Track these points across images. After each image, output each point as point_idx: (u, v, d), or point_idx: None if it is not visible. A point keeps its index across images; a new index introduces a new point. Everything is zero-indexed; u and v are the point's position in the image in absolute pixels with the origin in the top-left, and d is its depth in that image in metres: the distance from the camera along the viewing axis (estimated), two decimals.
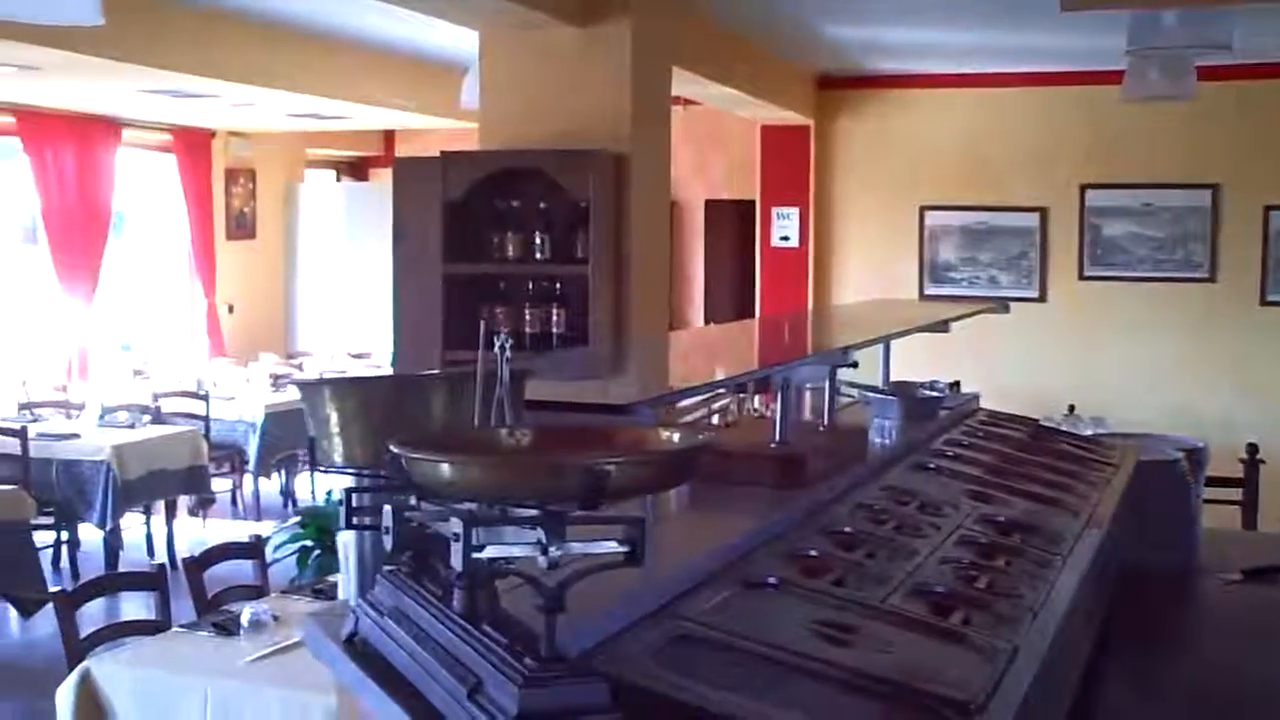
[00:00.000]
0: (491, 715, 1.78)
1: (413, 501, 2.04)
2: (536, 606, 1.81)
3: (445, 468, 1.85)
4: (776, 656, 2.45)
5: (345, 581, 4.92)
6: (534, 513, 1.85)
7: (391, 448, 1.92)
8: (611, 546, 1.86)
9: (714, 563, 2.89)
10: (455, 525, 1.82)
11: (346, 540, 4.94)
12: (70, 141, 12.51)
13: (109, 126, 12.91)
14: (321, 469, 2.35)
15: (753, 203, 13.78)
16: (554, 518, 1.82)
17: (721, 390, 4.60)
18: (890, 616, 2.82)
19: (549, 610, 1.80)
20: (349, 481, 2.35)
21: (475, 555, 1.83)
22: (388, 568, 2.24)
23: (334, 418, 2.32)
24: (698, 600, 2.65)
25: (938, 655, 2.65)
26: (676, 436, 2.08)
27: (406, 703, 1.98)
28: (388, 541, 2.05)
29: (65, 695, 4.75)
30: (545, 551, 1.82)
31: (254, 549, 6.11)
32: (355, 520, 2.19)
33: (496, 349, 2.17)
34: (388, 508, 2.03)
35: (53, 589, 5.57)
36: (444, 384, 2.36)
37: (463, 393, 2.27)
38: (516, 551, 1.85)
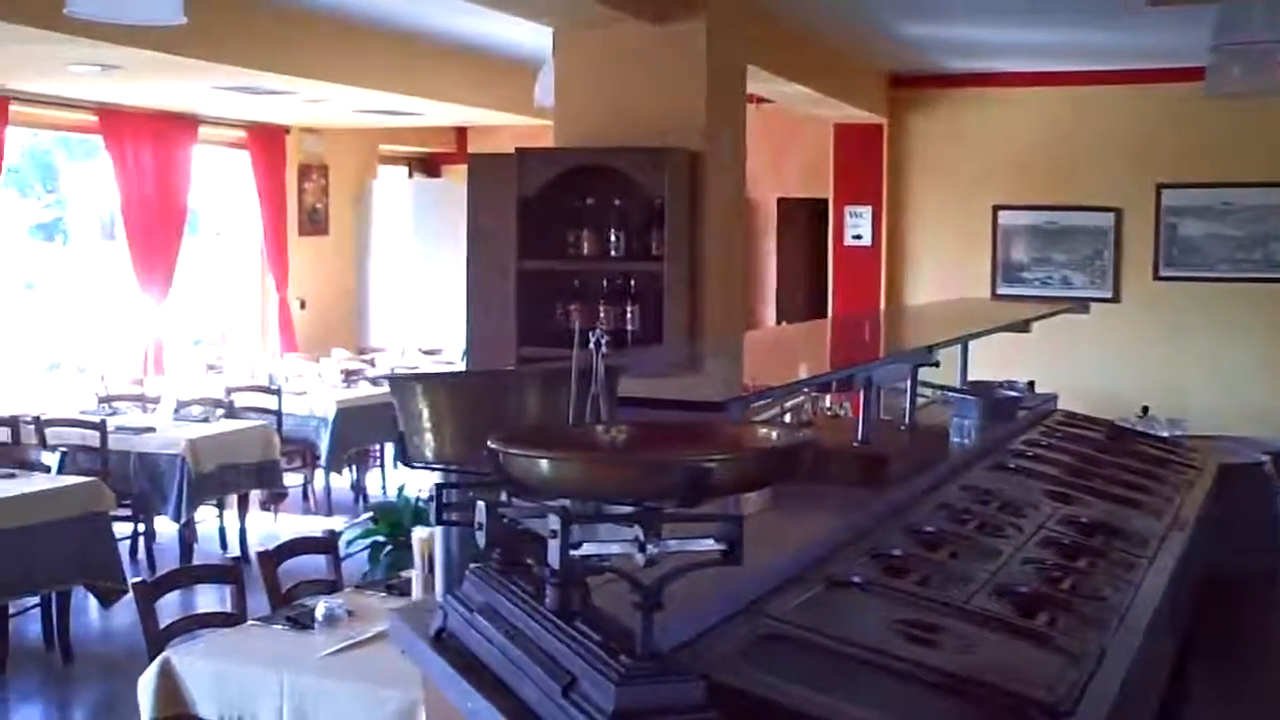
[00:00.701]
0: (587, 713, 1.78)
1: (503, 498, 2.03)
2: (634, 604, 1.80)
3: (544, 464, 1.83)
4: (862, 656, 2.44)
5: (418, 577, 4.97)
6: (629, 510, 1.83)
7: (489, 443, 1.91)
8: (709, 544, 1.84)
9: (798, 561, 2.88)
10: (552, 522, 1.81)
11: (421, 536, 4.99)
12: (149, 139, 12.59)
13: (186, 123, 12.99)
14: (411, 465, 2.33)
15: (825, 201, 13.73)
16: (652, 515, 1.81)
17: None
18: (974, 616, 2.80)
19: (646, 607, 1.78)
20: (437, 477, 2.34)
21: (572, 552, 1.82)
22: (475, 564, 2.23)
23: (425, 413, 2.31)
24: (783, 599, 2.64)
25: (1023, 656, 2.63)
26: (776, 434, 2.06)
27: (498, 700, 1.98)
28: (481, 538, 2.03)
29: (146, 684, 4.78)
30: (643, 549, 1.81)
31: (327, 544, 6.12)
32: (445, 516, 2.18)
33: (591, 345, 2.16)
34: (481, 504, 2.02)
35: (131, 580, 5.61)
36: (537, 380, 2.35)
37: (555, 389, 2.25)
38: (614, 549, 1.84)
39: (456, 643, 2.20)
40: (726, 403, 2.61)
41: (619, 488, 1.84)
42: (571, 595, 1.92)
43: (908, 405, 4.23)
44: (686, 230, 7.46)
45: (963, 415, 4.76)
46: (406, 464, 2.33)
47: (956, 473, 4.03)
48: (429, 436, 2.32)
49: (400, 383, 2.37)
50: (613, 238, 7.49)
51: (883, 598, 2.81)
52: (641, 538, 1.82)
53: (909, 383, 4.19)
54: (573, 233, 7.54)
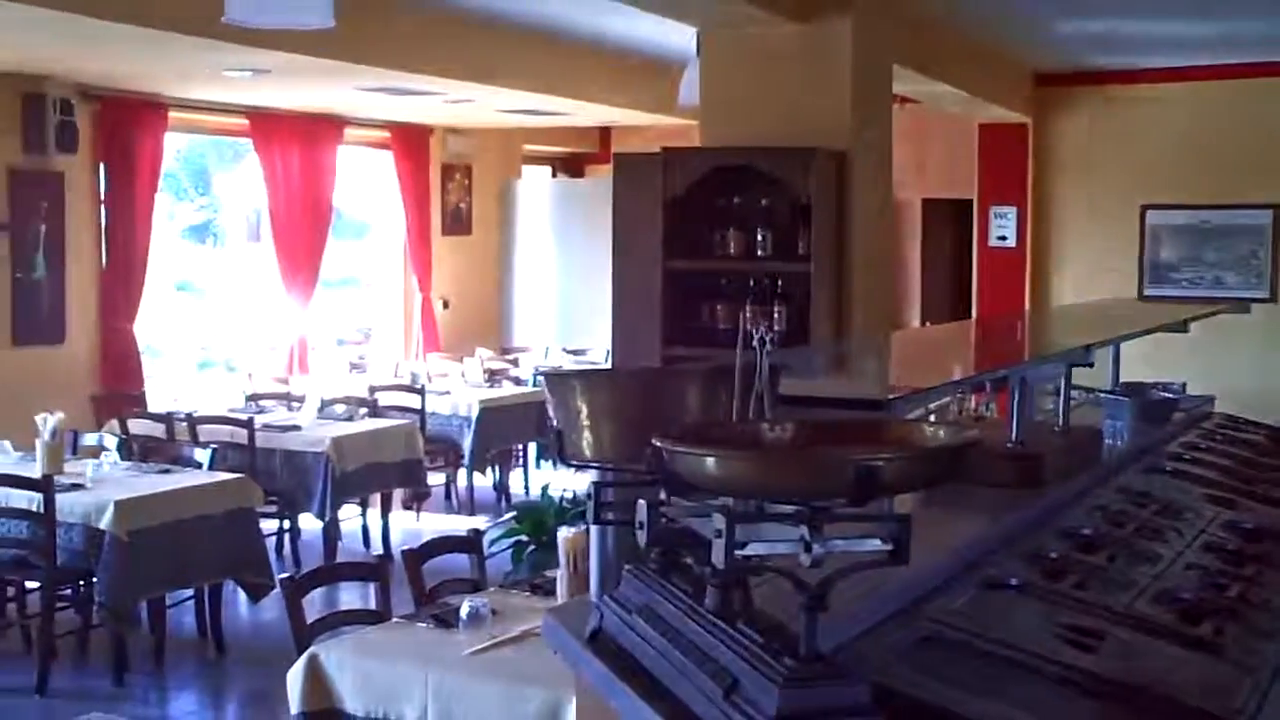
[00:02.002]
0: (748, 716, 1.75)
1: (661, 497, 2.01)
2: (801, 604, 1.77)
3: (712, 461, 1.81)
4: (1023, 660, 2.39)
5: (563, 577, 4.97)
6: (793, 509, 1.80)
7: (654, 441, 1.89)
8: (875, 545, 1.80)
9: (955, 562, 2.83)
10: (717, 521, 1.78)
11: (566, 536, 4.99)
12: (296, 140, 12.76)
13: (332, 124, 13.15)
14: (569, 463, 2.31)
15: (970, 202, 13.59)
16: (818, 514, 1.78)
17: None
18: (1136, 622, 2.73)
19: (811, 608, 1.75)
20: (593, 476, 2.31)
21: (736, 552, 1.79)
22: (629, 565, 2.21)
23: (584, 411, 2.29)
24: (940, 601, 2.59)
25: (1191, 665, 2.56)
26: (943, 432, 2.02)
27: (655, 702, 1.95)
28: (641, 537, 2.01)
29: (295, 678, 4.83)
30: (808, 548, 1.77)
31: (471, 543, 6.14)
32: (603, 515, 2.16)
33: (756, 343, 2.13)
34: (642, 503, 1.99)
35: (279, 576, 5.68)
36: (697, 378, 2.32)
37: (715, 387, 2.22)
38: (780, 549, 1.81)
39: (612, 643, 2.18)
40: (889, 401, 2.56)
41: (788, 486, 1.81)
42: (733, 596, 1.90)
43: (1061, 406, 4.14)
44: (833, 230, 7.40)
45: (1116, 417, 4.66)
46: (564, 462, 2.31)
47: (1112, 475, 3.94)
48: (587, 434, 2.29)
49: (558, 380, 2.34)
50: (759, 237, 7.45)
51: (1041, 601, 2.75)
52: (807, 537, 1.78)
53: (1062, 383, 4.11)
54: (719, 232, 7.51)
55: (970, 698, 2.14)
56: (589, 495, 2.17)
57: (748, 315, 7.35)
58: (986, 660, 2.37)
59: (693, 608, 1.98)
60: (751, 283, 7.51)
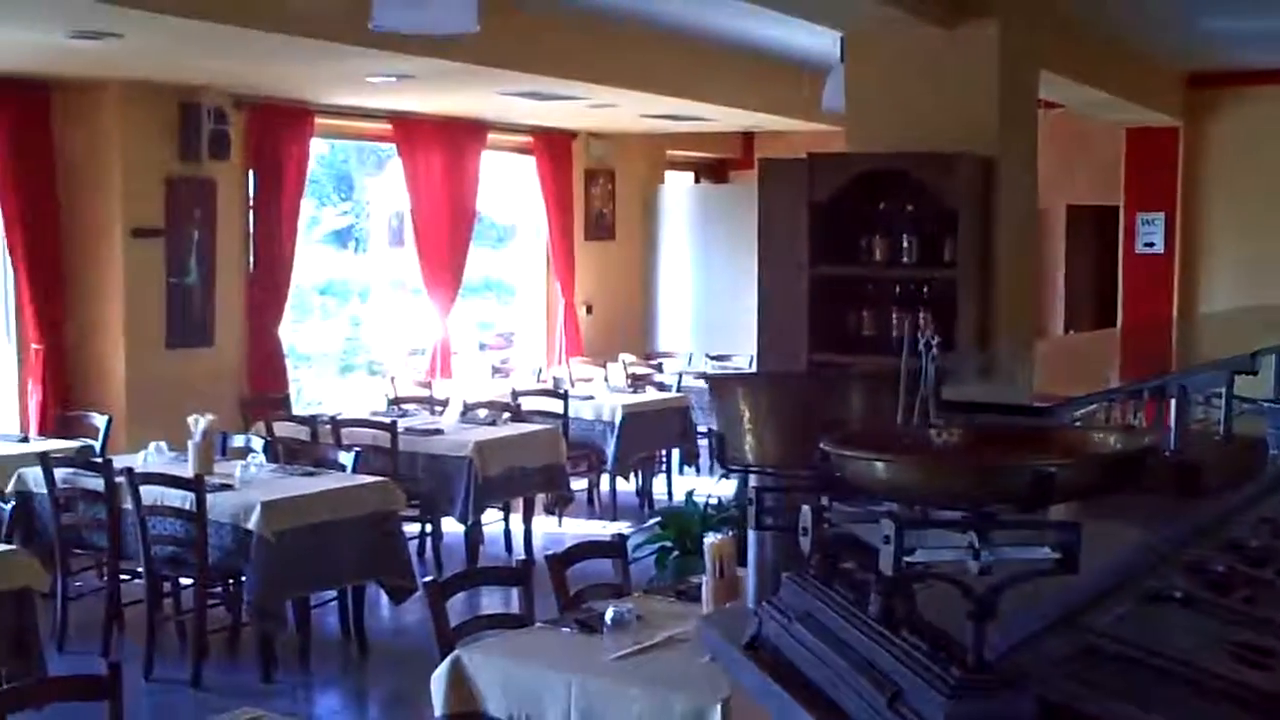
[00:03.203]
0: None
1: (823, 502, 1.98)
2: (968, 613, 1.73)
3: (882, 466, 1.78)
4: (1190, 675, 2.32)
5: (710, 584, 4.94)
6: (960, 515, 1.76)
7: (822, 445, 1.86)
8: (1044, 553, 1.76)
9: (1114, 573, 2.76)
10: (885, 527, 1.75)
11: (712, 542, 4.97)
12: (439, 145, 12.86)
13: (475, 129, 13.23)
14: (730, 467, 2.28)
15: (1116, 209, 13.37)
16: (987, 521, 1.74)
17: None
18: None
19: (979, 617, 1.72)
20: (753, 480, 2.29)
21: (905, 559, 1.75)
22: (788, 572, 2.18)
23: (746, 414, 2.26)
24: (1102, 611, 2.53)
25: None
26: (1115, 439, 1.97)
27: (816, 709, 1.92)
28: (805, 543, 1.98)
29: (438, 681, 4.84)
30: (977, 556, 1.74)
31: (616, 548, 6.13)
32: (764, 520, 2.13)
33: (921, 347, 2.09)
34: (806, 508, 1.96)
35: (423, 579, 5.70)
36: (860, 383, 2.29)
37: (878, 392, 2.19)
38: (947, 555, 1.77)
39: (772, 650, 2.15)
40: (1054, 407, 2.51)
41: (959, 492, 1.77)
42: (896, 603, 1.86)
43: (1223, 414, 4.04)
44: (978, 237, 7.33)
45: None
46: (723, 466, 2.28)
47: (1277, 487, 3.83)
48: (749, 438, 2.27)
49: (720, 382, 2.33)
50: (904, 244, 7.40)
51: (1206, 615, 2.67)
52: (976, 544, 1.74)
53: (1224, 391, 4.01)
54: (864, 238, 7.47)
55: (1138, 713, 2.08)
56: (749, 500, 2.14)
57: (895, 320, 7.33)
58: (1152, 674, 2.30)
59: (855, 614, 1.95)
60: (896, 289, 7.47)
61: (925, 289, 7.40)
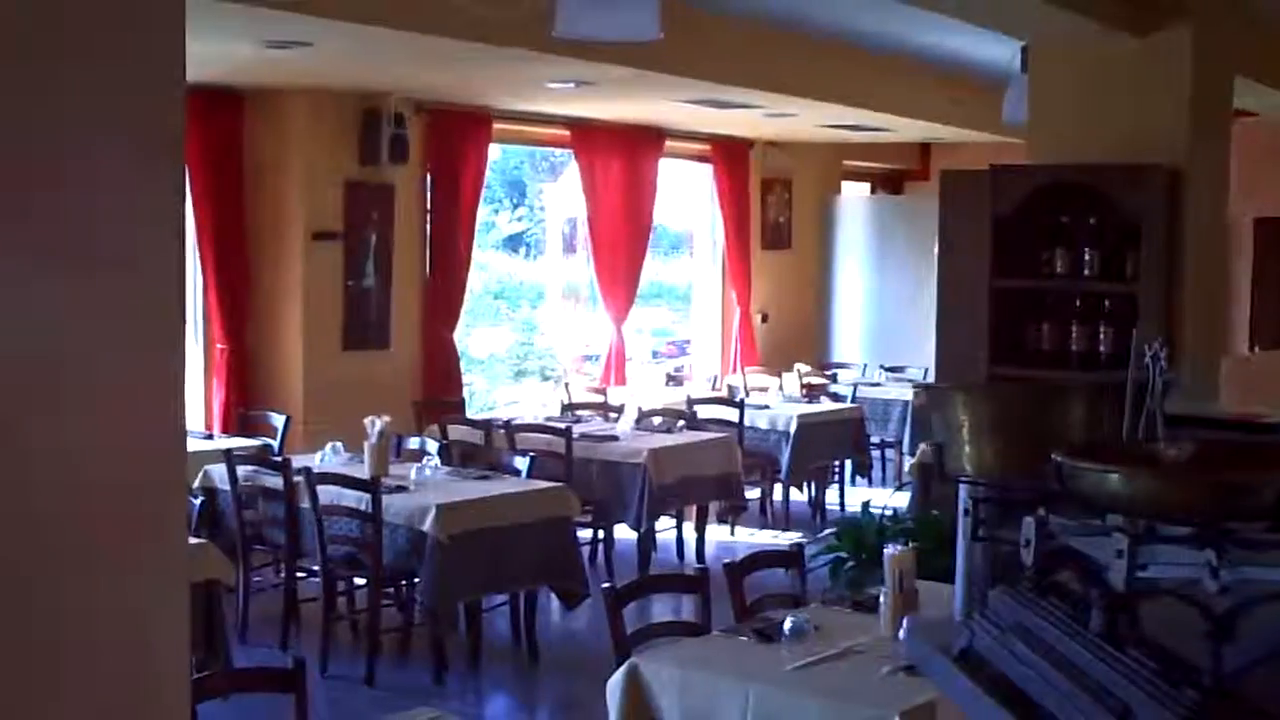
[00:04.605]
0: None
1: (1040, 514, 1.93)
2: (1205, 632, 1.68)
3: (1116, 479, 1.73)
4: None
5: (889, 595, 4.89)
6: (1191, 531, 1.71)
7: (1053, 457, 1.82)
8: None
9: None
10: (1118, 542, 1.70)
11: (892, 554, 4.92)
12: (616, 152, 12.89)
13: (653, 137, 13.23)
14: (951, 478, 2.24)
15: None
16: (1225, 538, 1.69)
17: None
18: None
19: (1216, 637, 1.66)
20: (964, 490, 2.25)
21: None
22: (1000, 585, 2.14)
23: (967, 425, 2.22)
24: None
25: None
26: None
27: None
28: (1026, 556, 1.94)
29: (615, 687, 4.84)
30: (1215, 574, 1.68)
31: (792, 557, 6.09)
32: (980, 532, 2.10)
33: (1149, 360, 2.04)
34: (1030, 520, 1.92)
35: (602, 585, 5.71)
36: (1082, 395, 2.24)
37: (1100, 404, 2.14)
38: (1183, 572, 1.72)
39: (984, 663, 2.11)
40: None
41: (1198, 507, 1.72)
42: (1121, 619, 1.82)
43: None
44: (1164, 250, 7.18)
45: None
46: (943, 478, 2.25)
47: None
48: (967, 449, 2.23)
49: (939, 392, 2.30)
50: (1086, 256, 7.27)
51: None
52: (1214, 562, 1.69)
53: None
54: (1045, 251, 7.35)
55: None
56: (965, 511, 2.10)
57: (1075, 334, 7.21)
58: None
59: (1078, 631, 1.90)
60: (1077, 302, 7.35)
61: (1106, 303, 7.27)
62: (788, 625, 5.01)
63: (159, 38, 2.20)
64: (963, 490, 2.26)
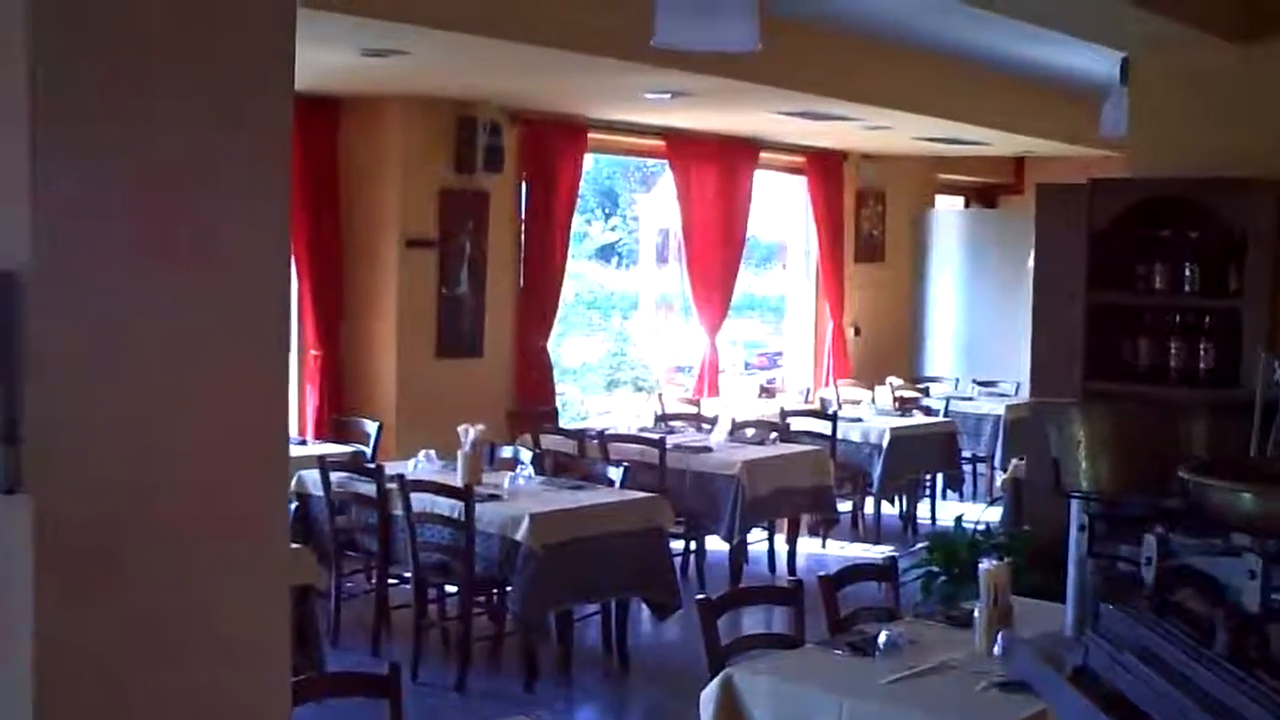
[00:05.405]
0: None
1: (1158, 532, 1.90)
2: None
3: (1249, 498, 1.70)
4: None
5: (983, 610, 4.85)
6: None
7: (1180, 473, 1.79)
8: None
9: None
10: (1251, 562, 1.67)
11: (987, 569, 4.88)
12: (711, 163, 12.88)
13: (747, 148, 13.22)
14: (1068, 495, 2.21)
15: None
16: None
17: None
18: None
19: None
20: (1075, 506, 2.22)
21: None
22: (1113, 603, 2.10)
23: (1084, 441, 2.19)
24: None
25: None
26: None
27: None
28: (1147, 574, 1.91)
29: (708, 699, 4.82)
30: None
31: (886, 571, 6.06)
32: (1096, 549, 2.06)
33: (1278, 378, 2.00)
34: (1151, 538, 1.89)
35: (696, 597, 5.69)
36: (1204, 411, 2.20)
37: (1223, 422, 2.10)
38: None
39: (1099, 681, 2.08)
40: None
41: None
42: (1248, 641, 1.78)
43: None
44: (1269, 265, 7.06)
45: None
46: (1061, 493, 2.21)
47: None
48: (1084, 465, 2.19)
49: (1054, 408, 2.27)
50: (1186, 272, 7.17)
51: None
52: None
53: None
54: (1143, 265, 7.25)
55: None
56: (1081, 527, 2.07)
57: (1173, 350, 7.11)
58: None
59: (1200, 651, 1.87)
60: (1176, 318, 7.24)
61: (1207, 319, 7.16)
62: (882, 639, 4.98)
63: (272, 39, 2.21)
64: (1075, 506, 2.23)
